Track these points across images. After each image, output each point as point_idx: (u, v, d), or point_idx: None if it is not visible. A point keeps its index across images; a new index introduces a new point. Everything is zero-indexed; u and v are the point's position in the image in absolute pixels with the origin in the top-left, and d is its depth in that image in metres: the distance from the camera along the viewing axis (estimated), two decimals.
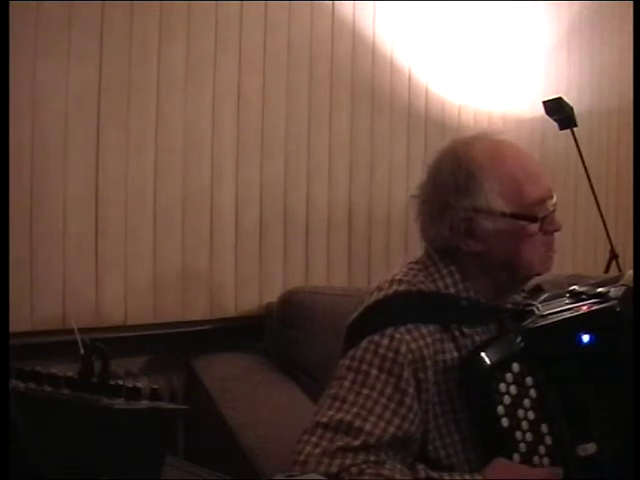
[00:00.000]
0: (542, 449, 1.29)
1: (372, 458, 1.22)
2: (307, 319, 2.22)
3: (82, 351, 1.29)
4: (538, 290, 1.48)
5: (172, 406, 1.30)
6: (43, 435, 1.10)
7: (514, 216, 1.33)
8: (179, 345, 2.29)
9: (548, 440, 1.30)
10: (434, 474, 1.25)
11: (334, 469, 1.19)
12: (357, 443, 1.22)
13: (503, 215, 1.33)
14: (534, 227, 1.34)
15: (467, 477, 1.24)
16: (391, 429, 1.24)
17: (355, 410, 1.24)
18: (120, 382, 1.26)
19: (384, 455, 1.23)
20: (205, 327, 2.33)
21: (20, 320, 1.97)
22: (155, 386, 1.28)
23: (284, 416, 1.91)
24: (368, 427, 1.23)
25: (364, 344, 1.29)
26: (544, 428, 1.30)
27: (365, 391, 1.26)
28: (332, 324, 2.08)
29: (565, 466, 1.28)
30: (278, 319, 2.28)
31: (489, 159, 1.35)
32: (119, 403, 1.21)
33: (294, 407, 1.98)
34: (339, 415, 1.24)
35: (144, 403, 1.23)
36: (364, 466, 1.20)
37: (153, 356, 2.28)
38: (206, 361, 2.24)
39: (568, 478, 1.28)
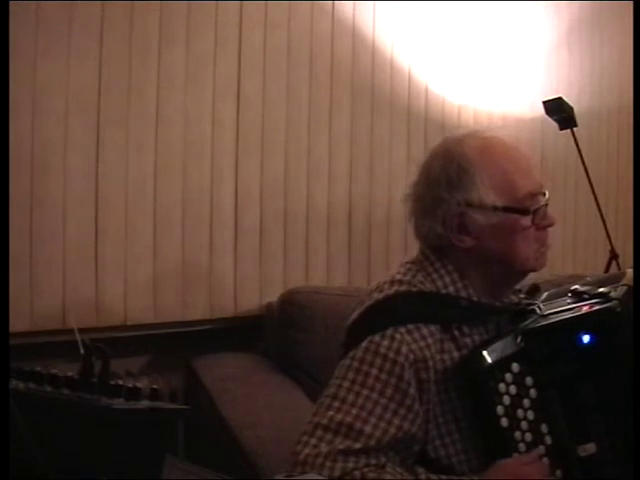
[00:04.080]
0: (542, 449, 1.29)
1: (373, 461, 1.22)
2: (307, 319, 2.22)
3: (82, 351, 1.28)
4: (535, 290, 1.48)
5: (172, 406, 1.30)
6: (43, 435, 1.10)
7: (506, 209, 1.33)
8: (179, 345, 2.29)
9: (548, 440, 1.30)
10: (433, 476, 1.24)
11: (337, 472, 1.19)
12: (358, 446, 1.21)
13: (495, 209, 1.33)
14: (526, 220, 1.34)
15: (465, 479, 1.24)
16: (392, 430, 1.24)
17: (355, 411, 1.24)
18: (120, 382, 1.26)
19: (384, 457, 1.23)
20: (205, 327, 2.33)
21: (20, 320, 1.97)
22: (155, 386, 1.27)
23: (284, 416, 1.91)
24: (368, 429, 1.22)
25: (365, 344, 1.29)
26: (544, 428, 1.30)
27: (365, 392, 1.25)
28: (332, 324, 2.09)
29: (565, 466, 1.28)
30: (278, 319, 2.28)
31: (480, 154, 1.35)
32: (119, 403, 1.20)
33: (294, 407, 1.98)
34: (339, 416, 1.23)
35: (144, 403, 1.23)
36: (366, 469, 1.20)
37: (153, 356, 2.29)
38: (206, 361, 2.24)
39: (568, 478, 1.28)
